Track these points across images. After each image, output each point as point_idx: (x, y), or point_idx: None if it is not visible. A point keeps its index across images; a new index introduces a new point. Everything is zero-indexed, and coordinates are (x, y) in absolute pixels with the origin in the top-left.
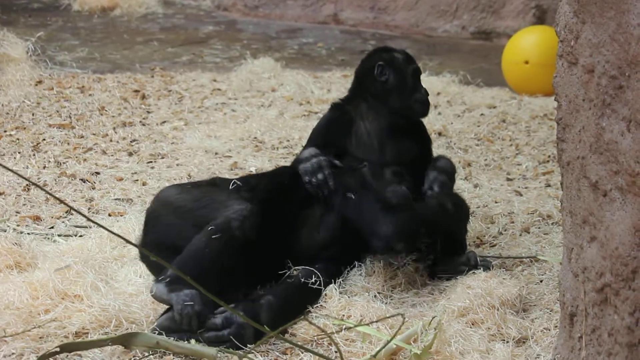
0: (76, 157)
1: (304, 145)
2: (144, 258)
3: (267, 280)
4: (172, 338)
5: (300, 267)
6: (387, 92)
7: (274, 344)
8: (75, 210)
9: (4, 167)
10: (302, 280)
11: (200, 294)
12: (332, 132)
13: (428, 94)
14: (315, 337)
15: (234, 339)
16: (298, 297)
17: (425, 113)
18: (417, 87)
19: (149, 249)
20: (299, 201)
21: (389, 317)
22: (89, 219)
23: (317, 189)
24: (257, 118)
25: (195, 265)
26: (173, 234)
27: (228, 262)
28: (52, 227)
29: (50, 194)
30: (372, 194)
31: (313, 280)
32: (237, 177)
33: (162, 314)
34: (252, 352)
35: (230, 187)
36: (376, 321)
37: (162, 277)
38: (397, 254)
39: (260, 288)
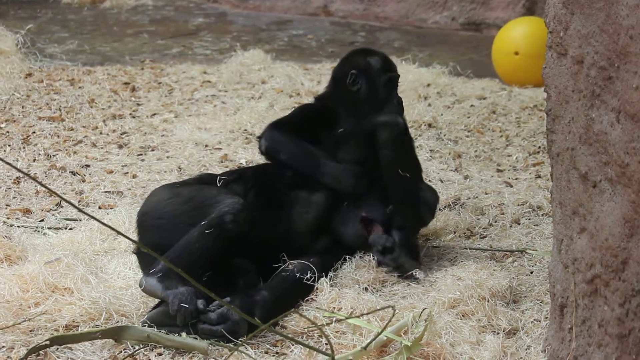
0: (66, 150)
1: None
2: (136, 251)
3: (262, 271)
4: (162, 331)
5: (295, 261)
6: (358, 102)
7: (264, 336)
8: (67, 201)
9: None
10: (298, 275)
11: (194, 290)
12: (311, 121)
13: (401, 103)
14: (306, 330)
15: (228, 335)
16: (292, 293)
17: (390, 136)
18: (390, 98)
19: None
20: (287, 189)
21: (379, 310)
22: (81, 211)
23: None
24: (247, 110)
25: (187, 259)
26: (167, 237)
27: (221, 255)
28: (42, 220)
29: (43, 186)
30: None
31: (308, 276)
32: (227, 169)
33: (153, 308)
34: (243, 345)
35: (217, 184)
36: (367, 313)
37: (153, 270)
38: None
39: (256, 281)
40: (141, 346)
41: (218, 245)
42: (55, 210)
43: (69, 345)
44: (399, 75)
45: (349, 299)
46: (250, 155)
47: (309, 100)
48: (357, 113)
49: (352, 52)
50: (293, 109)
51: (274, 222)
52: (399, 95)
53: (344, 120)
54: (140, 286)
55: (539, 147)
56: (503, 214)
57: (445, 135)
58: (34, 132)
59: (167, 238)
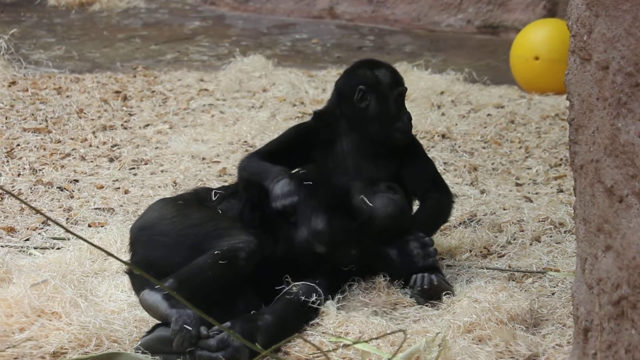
0: (53, 164)
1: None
2: (128, 271)
3: (265, 294)
4: (157, 358)
5: (299, 283)
6: (366, 119)
7: None
8: (52, 220)
9: None
10: (303, 298)
11: (199, 316)
12: (303, 143)
13: (411, 119)
14: (311, 356)
15: None
16: (297, 317)
17: (404, 141)
18: (400, 115)
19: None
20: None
21: (389, 334)
22: (68, 230)
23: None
24: (247, 120)
25: (197, 284)
26: (165, 256)
27: (228, 287)
28: (28, 239)
29: (25, 204)
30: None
31: (314, 298)
32: (225, 184)
33: (147, 333)
34: None
35: (213, 197)
36: (376, 338)
37: (158, 286)
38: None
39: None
40: None
41: (227, 277)
42: (42, 228)
43: None
44: (406, 89)
45: (357, 322)
46: None
47: (314, 109)
48: (363, 130)
49: (356, 64)
50: (296, 119)
51: (275, 239)
52: (409, 104)
53: (345, 138)
54: (141, 297)
55: (561, 159)
56: (522, 231)
57: (460, 146)
58: (18, 145)
59: (164, 256)
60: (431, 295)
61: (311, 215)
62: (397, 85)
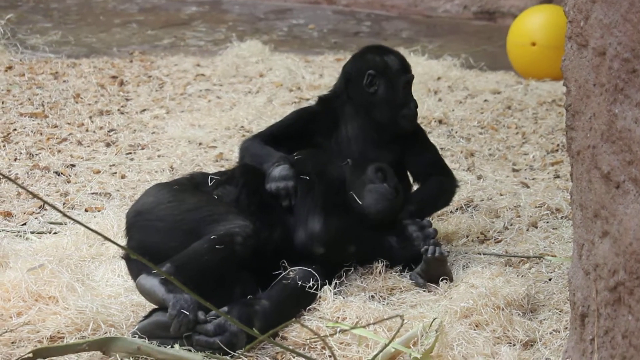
0: (50, 149)
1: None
2: (125, 256)
3: (262, 280)
4: (154, 343)
5: (296, 268)
6: (374, 104)
7: (263, 348)
8: (50, 205)
9: None
10: (300, 283)
11: (196, 300)
12: (309, 126)
13: (417, 107)
14: (308, 341)
15: (225, 348)
16: (294, 302)
17: (410, 128)
18: (407, 101)
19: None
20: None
21: (386, 319)
22: (65, 215)
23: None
24: (244, 105)
25: (193, 268)
26: (160, 241)
27: (225, 272)
28: (25, 224)
29: (23, 188)
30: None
31: (311, 283)
32: (222, 169)
33: (144, 317)
34: (241, 358)
35: (209, 183)
36: (373, 323)
37: (155, 271)
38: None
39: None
40: (131, 359)
41: (223, 262)
42: (39, 213)
43: (54, 358)
44: (414, 76)
45: (354, 307)
46: None
47: (311, 94)
48: (370, 115)
49: (364, 49)
50: (293, 104)
51: (272, 225)
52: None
53: (350, 123)
54: (138, 283)
55: (558, 145)
56: (519, 216)
57: (456, 132)
58: (15, 130)
59: (161, 241)
60: (432, 276)
61: (307, 217)
62: (406, 72)
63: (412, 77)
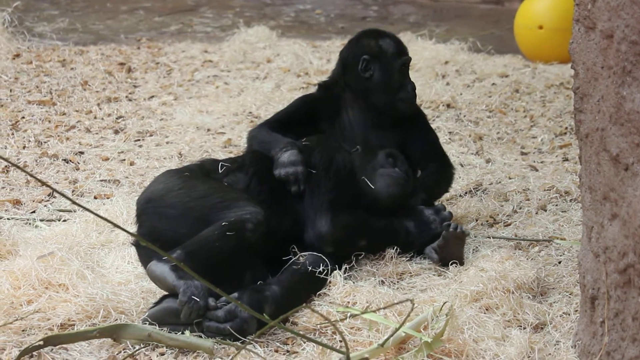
0: (58, 136)
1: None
2: (135, 243)
3: (272, 266)
4: (164, 329)
5: (306, 253)
6: (370, 89)
7: (274, 333)
8: (59, 192)
9: None
10: (310, 269)
11: (206, 287)
12: (310, 114)
13: (415, 89)
14: (318, 326)
15: (235, 333)
16: (304, 287)
17: (408, 111)
18: (404, 84)
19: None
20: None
21: (397, 303)
22: (74, 202)
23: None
24: (251, 91)
25: (204, 255)
26: (171, 228)
27: (235, 258)
28: (34, 212)
29: (32, 175)
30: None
31: (321, 268)
32: (231, 155)
33: (155, 304)
34: (251, 343)
35: (219, 170)
36: (383, 308)
37: (166, 257)
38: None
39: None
40: (142, 345)
41: (234, 249)
42: (48, 200)
43: (65, 346)
44: (410, 58)
45: (365, 292)
46: None
47: (318, 80)
48: (367, 100)
49: (360, 34)
50: (301, 89)
51: (282, 213)
52: (414, 74)
53: (350, 108)
54: (149, 269)
55: (566, 128)
56: (528, 200)
57: (465, 116)
58: (23, 117)
59: (171, 228)
60: (447, 253)
61: (315, 218)
62: (401, 54)
63: (409, 60)
